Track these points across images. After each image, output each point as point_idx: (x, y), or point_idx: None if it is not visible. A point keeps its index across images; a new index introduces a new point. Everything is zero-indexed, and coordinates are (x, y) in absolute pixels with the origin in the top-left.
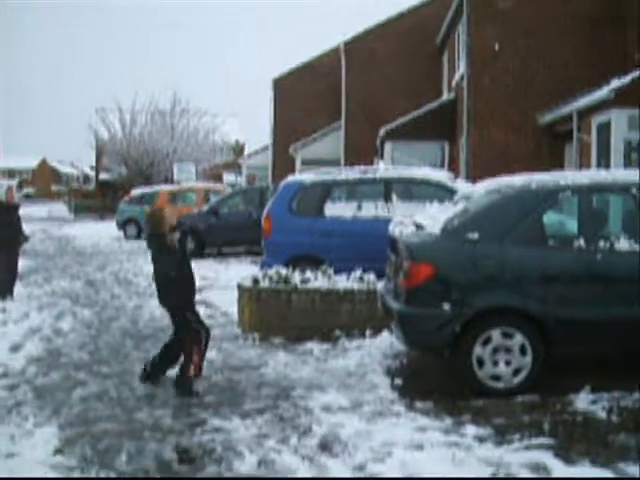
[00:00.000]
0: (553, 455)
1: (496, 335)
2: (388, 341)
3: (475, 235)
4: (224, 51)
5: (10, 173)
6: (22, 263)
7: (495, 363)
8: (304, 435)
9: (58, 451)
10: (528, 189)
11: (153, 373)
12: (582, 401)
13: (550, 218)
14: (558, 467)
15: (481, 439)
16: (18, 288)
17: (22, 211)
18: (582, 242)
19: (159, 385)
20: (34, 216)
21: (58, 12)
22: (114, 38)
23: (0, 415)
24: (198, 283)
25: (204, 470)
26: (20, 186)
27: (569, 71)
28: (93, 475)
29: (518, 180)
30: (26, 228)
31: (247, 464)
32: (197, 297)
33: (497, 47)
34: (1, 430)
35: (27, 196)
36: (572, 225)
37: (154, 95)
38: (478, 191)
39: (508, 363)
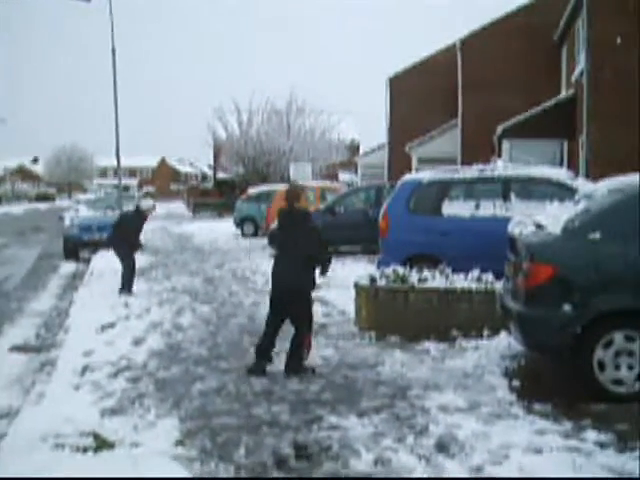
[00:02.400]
0: None
1: (618, 338)
2: (506, 342)
3: (597, 235)
4: (340, 50)
5: (131, 172)
6: (143, 259)
7: (617, 367)
8: (420, 435)
9: (179, 442)
10: None
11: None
12: None
13: None
14: None
15: (602, 445)
16: (139, 284)
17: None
18: None
19: (276, 382)
20: (154, 214)
21: (178, 13)
22: (231, 39)
23: (124, 406)
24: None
25: (321, 467)
26: (140, 185)
27: None
28: (212, 467)
29: None
30: (147, 226)
31: (363, 462)
32: (314, 295)
33: (619, 40)
34: (125, 420)
35: (147, 194)
36: None
37: (270, 95)
38: (600, 190)
39: (631, 367)
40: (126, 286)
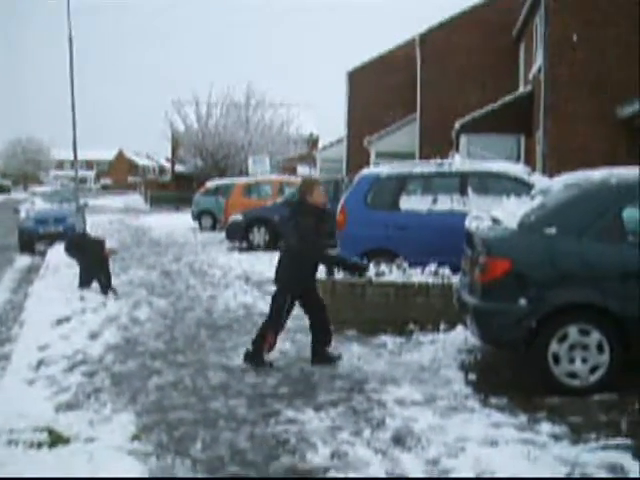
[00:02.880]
0: (631, 456)
1: (573, 332)
2: (462, 336)
3: (553, 230)
4: (299, 44)
5: (88, 164)
6: None
7: (571, 360)
8: (377, 428)
9: (135, 437)
10: (608, 183)
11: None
12: None
13: (630, 214)
14: (636, 468)
15: (557, 437)
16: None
17: (100, 201)
18: None
19: (233, 375)
20: (111, 207)
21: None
22: (190, 32)
23: (79, 401)
24: (272, 274)
25: (278, 460)
26: (97, 177)
27: None
28: (169, 461)
29: (597, 175)
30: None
31: (320, 456)
32: (271, 289)
33: (575, 38)
34: (80, 415)
35: (104, 187)
36: None
37: (229, 88)
38: (556, 185)
39: (585, 361)
40: (86, 280)
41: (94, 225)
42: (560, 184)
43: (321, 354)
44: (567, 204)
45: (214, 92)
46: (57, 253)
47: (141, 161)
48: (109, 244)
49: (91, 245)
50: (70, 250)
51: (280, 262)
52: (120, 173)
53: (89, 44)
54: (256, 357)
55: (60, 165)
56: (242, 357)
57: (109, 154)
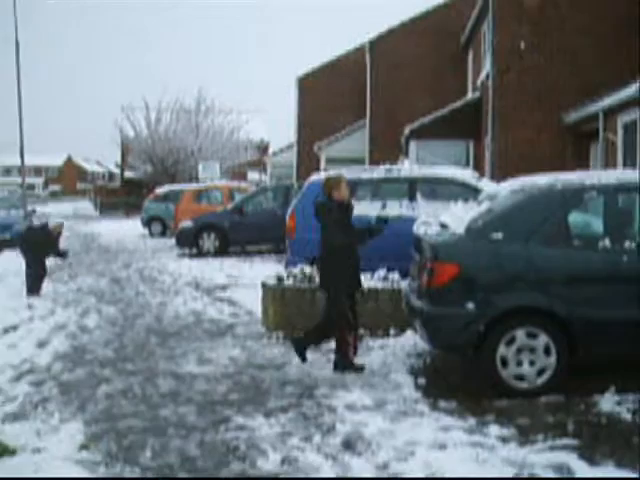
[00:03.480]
0: (577, 456)
1: (520, 335)
2: (412, 340)
3: (499, 235)
4: (250, 49)
5: (36, 170)
6: (48, 260)
7: (519, 363)
8: (327, 433)
9: (83, 447)
10: (553, 189)
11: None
12: (607, 402)
13: (575, 218)
14: (582, 468)
15: (504, 439)
16: (44, 284)
17: (48, 208)
18: (607, 242)
19: (183, 382)
20: (60, 214)
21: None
22: (141, 36)
23: (26, 411)
24: (222, 281)
25: (228, 467)
26: (46, 184)
27: (595, 70)
28: (118, 470)
29: (543, 180)
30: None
31: (271, 462)
32: (221, 295)
33: (522, 46)
34: (27, 425)
35: (53, 194)
36: (598, 225)
37: (180, 93)
38: (502, 191)
39: (532, 363)
40: (34, 288)
41: None
42: (507, 189)
43: (302, 349)
44: (513, 209)
45: (164, 98)
46: (4, 261)
47: (91, 167)
48: (52, 223)
49: (35, 234)
50: (21, 246)
51: (323, 265)
52: (69, 179)
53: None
54: (347, 364)
55: (7, 172)
56: (332, 368)
57: (58, 160)
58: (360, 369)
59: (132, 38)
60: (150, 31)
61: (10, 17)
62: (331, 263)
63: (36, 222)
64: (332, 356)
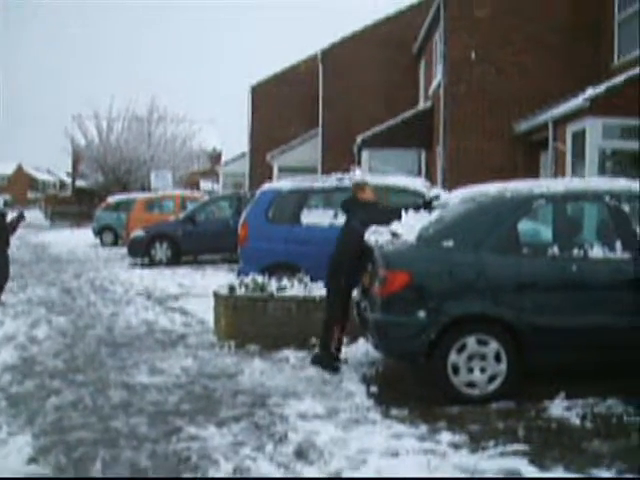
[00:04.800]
0: (528, 462)
1: (471, 342)
2: (364, 349)
3: (450, 243)
4: (202, 58)
5: None
6: None
7: (470, 370)
8: (280, 443)
9: (32, 460)
10: (503, 197)
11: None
12: (557, 408)
13: (525, 226)
14: (532, 473)
15: (456, 446)
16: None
17: None
18: (556, 250)
19: (135, 393)
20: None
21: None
22: (91, 41)
23: None
24: (174, 290)
25: (180, 478)
26: None
27: (545, 80)
28: None
29: (493, 188)
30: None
31: (222, 472)
32: (173, 305)
33: (473, 56)
34: None
35: (6, 204)
36: (547, 233)
37: (131, 101)
38: (453, 199)
39: (483, 370)
40: None
41: None
42: (457, 198)
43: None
44: (464, 217)
45: (115, 106)
46: None
47: (41, 176)
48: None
49: None
50: None
51: (338, 258)
52: (20, 188)
53: None
54: (326, 362)
55: None
56: (310, 360)
57: (8, 169)
58: (336, 369)
59: (81, 43)
60: (99, 36)
61: None
62: (346, 257)
63: None
64: (284, 365)
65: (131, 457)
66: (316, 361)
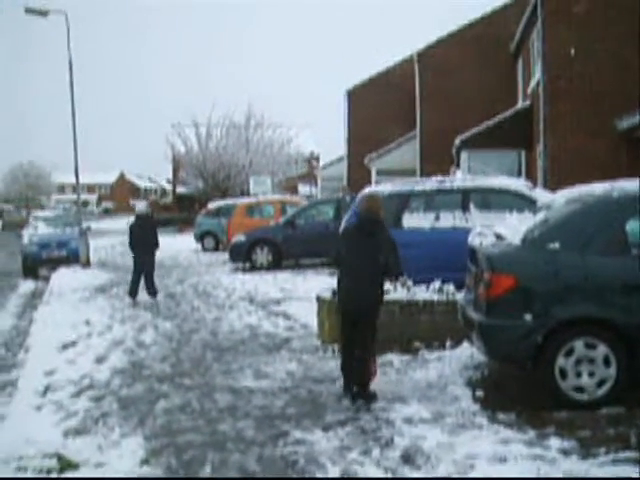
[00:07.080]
0: None
1: (579, 346)
2: (468, 352)
3: (556, 245)
4: (298, 63)
5: (89, 188)
6: (104, 276)
7: (578, 374)
8: (386, 447)
9: (144, 462)
10: (609, 197)
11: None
12: None
13: (633, 226)
14: None
15: (566, 452)
16: (101, 301)
17: (103, 225)
18: None
19: (241, 397)
20: (113, 229)
21: (138, 28)
22: (190, 53)
23: (87, 426)
24: (276, 295)
25: None
26: (99, 201)
27: None
28: None
29: (599, 188)
30: (107, 242)
31: (330, 476)
32: (276, 309)
33: (572, 52)
34: (89, 440)
35: (106, 211)
36: None
37: (229, 109)
38: (558, 200)
39: (592, 374)
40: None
41: (97, 248)
42: (562, 199)
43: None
44: (570, 219)
45: (214, 114)
46: (61, 277)
47: (143, 183)
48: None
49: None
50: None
51: (358, 282)
52: (122, 196)
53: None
54: (366, 396)
55: (62, 189)
56: (350, 399)
57: (111, 177)
58: (374, 397)
59: (182, 55)
60: (198, 47)
61: (64, 37)
62: (380, 281)
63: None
64: (388, 369)
65: (239, 460)
66: (356, 398)
